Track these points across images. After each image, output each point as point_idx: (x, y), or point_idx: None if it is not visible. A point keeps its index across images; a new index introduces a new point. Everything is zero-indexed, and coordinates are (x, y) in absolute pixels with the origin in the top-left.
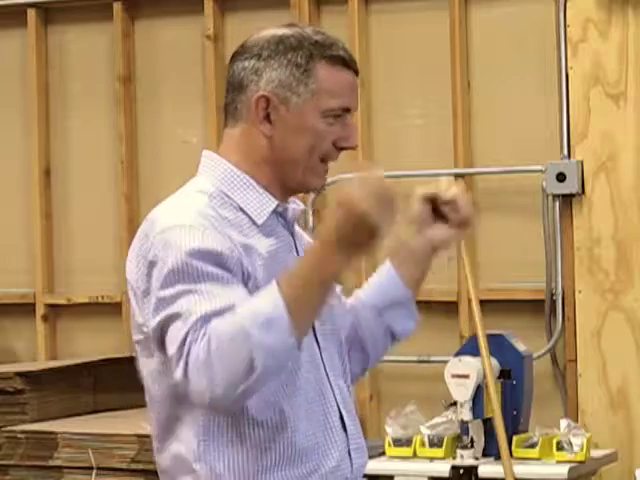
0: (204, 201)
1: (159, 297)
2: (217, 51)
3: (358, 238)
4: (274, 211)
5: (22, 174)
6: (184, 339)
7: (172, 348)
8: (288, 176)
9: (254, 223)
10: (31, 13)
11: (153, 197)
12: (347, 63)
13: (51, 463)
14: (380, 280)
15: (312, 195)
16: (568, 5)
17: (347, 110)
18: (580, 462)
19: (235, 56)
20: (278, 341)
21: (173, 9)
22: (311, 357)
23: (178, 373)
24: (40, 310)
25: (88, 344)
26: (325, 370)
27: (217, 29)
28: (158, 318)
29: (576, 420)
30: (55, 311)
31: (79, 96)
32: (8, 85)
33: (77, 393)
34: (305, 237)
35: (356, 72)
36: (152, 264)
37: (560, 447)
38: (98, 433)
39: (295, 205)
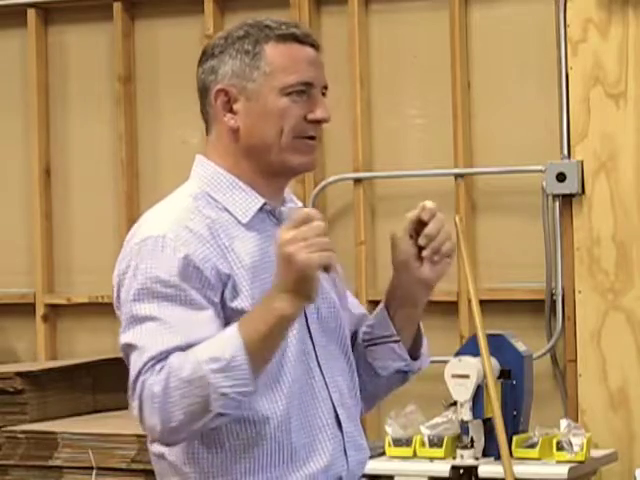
0: (188, 203)
1: (127, 314)
2: None
3: (293, 284)
4: (262, 210)
5: (22, 174)
6: (139, 373)
7: (130, 377)
8: (266, 162)
9: (239, 222)
10: (31, 13)
11: (153, 197)
12: (299, 38)
13: (51, 463)
14: (372, 321)
15: (313, 194)
16: (568, 5)
17: (308, 84)
18: (580, 462)
19: (198, 63)
20: (236, 387)
21: (173, 9)
22: (302, 355)
23: (133, 404)
24: (40, 310)
25: (88, 344)
26: (320, 368)
27: (217, 29)
28: (123, 340)
29: (576, 420)
30: (55, 311)
31: (79, 96)
32: (8, 85)
33: (77, 393)
34: None
35: (314, 47)
36: (124, 272)
37: (560, 447)
38: (98, 433)
39: (292, 204)
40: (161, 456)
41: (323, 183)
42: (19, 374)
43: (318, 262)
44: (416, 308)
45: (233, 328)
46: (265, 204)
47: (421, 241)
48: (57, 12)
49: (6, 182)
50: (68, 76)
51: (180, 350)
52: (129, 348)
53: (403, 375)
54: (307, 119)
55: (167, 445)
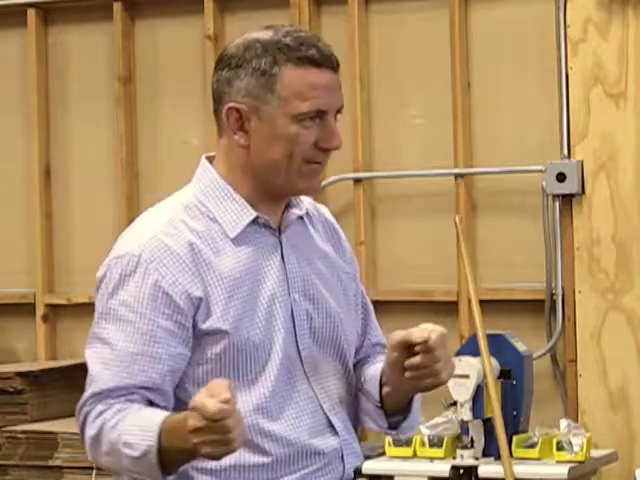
0: (176, 214)
1: (93, 325)
2: (217, 51)
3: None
4: (255, 222)
5: (22, 174)
6: (83, 404)
7: (82, 396)
8: (271, 183)
9: (227, 236)
10: (31, 13)
11: (153, 197)
12: (318, 62)
13: (51, 463)
14: (369, 374)
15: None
16: (568, 5)
17: (322, 112)
18: (580, 462)
19: (215, 66)
20: (144, 476)
21: (173, 9)
22: (288, 367)
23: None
24: (40, 310)
25: None
26: (306, 376)
27: (217, 29)
28: (85, 350)
29: (576, 420)
30: (55, 311)
31: (79, 96)
32: (8, 85)
33: (77, 393)
34: (308, 239)
35: (333, 68)
36: (100, 280)
37: (560, 447)
38: None
39: (297, 210)
40: None
41: (323, 183)
42: (19, 374)
43: (220, 456)
44: (405, 394)
45: (156, 424)
46: (258, 217)
47: (406, 364)
48: (57, 12)
49: (6, 182)
50: (68, 76)
51: (123, 391)
52: (87, 364)
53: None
54: (318, 146)
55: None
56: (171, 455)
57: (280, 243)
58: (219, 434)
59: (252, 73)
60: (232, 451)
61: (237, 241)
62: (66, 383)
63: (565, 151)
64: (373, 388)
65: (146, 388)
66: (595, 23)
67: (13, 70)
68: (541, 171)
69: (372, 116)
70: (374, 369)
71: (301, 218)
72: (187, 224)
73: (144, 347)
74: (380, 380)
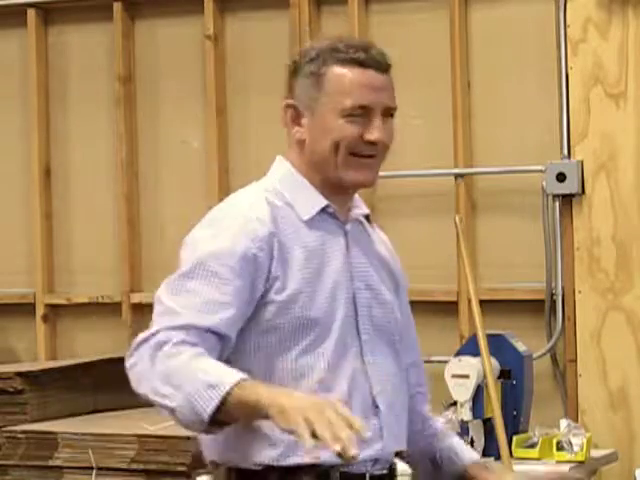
0: (260, 194)
1: (178, 277)
2: (217, 51)
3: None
4: (324, 211)
5: (22, 174)
6: (156, 333)
7: (147, 332)
8: (326, 175)
9: (301, 219)
10: (31, 13)
11: (153, 197)
12: (362, 63)
13: (51, 463)
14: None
15: None
16: (568, 5)
17: (364, 107)
18: (580, 462)
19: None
20: (195, 407)
21: (173, 9)
22: (344, 345)
23: (131, 355)
24: (40, 310)
25: (88, 344)
26: (362, 358)
27: (217, 29)
28: (163, 298)
29: (576, 420)
30: (55, 311)
31: (79, 96)
32: (8, 85)
33: (77, 393)
34: (375, 241)
35: (381, 70)
36: (183, 248)
37: (560, 447)
38: (98, 433)
39: (359, 210)
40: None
41: None
42: (19, 374)
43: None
44: None
45: (236, 374)
46: (328, 206)
47: None
48: (57, 12)
49: (6, 182)
50: (68, 76)
51: (200, 330)
52: (165, 308)
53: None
54: (363, 139)
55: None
56: (241, 401)
57: (345, 234)
58: (338, 423)
59: (306, 75)
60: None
61: (309, 224)
62: (66, 383)
63: (565, 151)
64: (449, 465)
65: (218, 334)
66: (595, 23)
67: (13, 70)
68: (541, 171)
69: None
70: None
71: (366, 218)
72: (272, 203)
73: (225, 296)
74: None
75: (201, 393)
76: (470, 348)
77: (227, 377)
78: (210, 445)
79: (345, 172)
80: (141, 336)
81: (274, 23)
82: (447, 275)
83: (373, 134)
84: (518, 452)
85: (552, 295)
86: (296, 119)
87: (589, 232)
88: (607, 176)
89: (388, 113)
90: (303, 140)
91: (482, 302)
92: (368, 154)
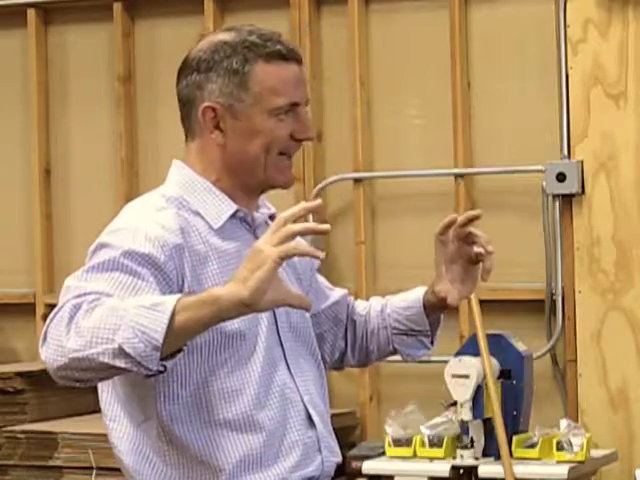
0: (161, 203)
1: (82, 272)
2: None
3: (248, 276)
4: (234, 216)
5: (22, 174)
6: (74, 297)
7: (60, 304)
8: (250, 178)
9: (211, 227)
10: (31, 13)
11: None
12: (285, 56)
13: (51, 463)
14: (407, 306)
15: (313, 194)
16: (568, 5)
17: (295, 104)
18: (580, 462)
19: (180, 73)
20: (147, 329)
21: (173, 9)
22: (271, 360)
23: (48, 325)
24: (40, 310)
25: None
26: (289, 369)
27: (217, 29)
28: (68, 282)
29: (576, 420)
30: None
31: (79, 96)
32: (8, 85)
33: (77, 393)
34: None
35: (298, 61)
36: (90, 255)
37: (560, 447)
38: (98, 433)
39: (266, 209)
40: (118, 455)
41: (323, 183)
42: (19, 374)
43: (283, 253)
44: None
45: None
46: (238, 211)
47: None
48: (57, 12)
49: (6, 182)
50: (68, 76)
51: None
52: (70, 286)
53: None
54: (293, 138)
55: (62, 378)
56: (182, 316)
57: (256, 239)
58: (285, 235)
59: (224, 74)
60: (292, 251)
61: (220, 233)
62: None
63: (565, 151)
64: (420, 319)
65: None
66: (595, 23)
67: (13, 70)
68: (541, 171)
69: (372, 116)
70: (402, 302)
71: (270, 218)
72: (175, 212)
73: (139, 291)
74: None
75: (146, 315)
76: (470, 348)
77: (166, 296)
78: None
79: (274, 174)
80: (47, 321)
81: (274, 23)
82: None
83: (306, 132)
84: (518, 452)
85: (552, 295)
86: (213, 122)
87: (589, 232)
88: (607, 176)
89: (306, 105)
90: (223, 144)
91: (482, 302)
92: (292, 153)
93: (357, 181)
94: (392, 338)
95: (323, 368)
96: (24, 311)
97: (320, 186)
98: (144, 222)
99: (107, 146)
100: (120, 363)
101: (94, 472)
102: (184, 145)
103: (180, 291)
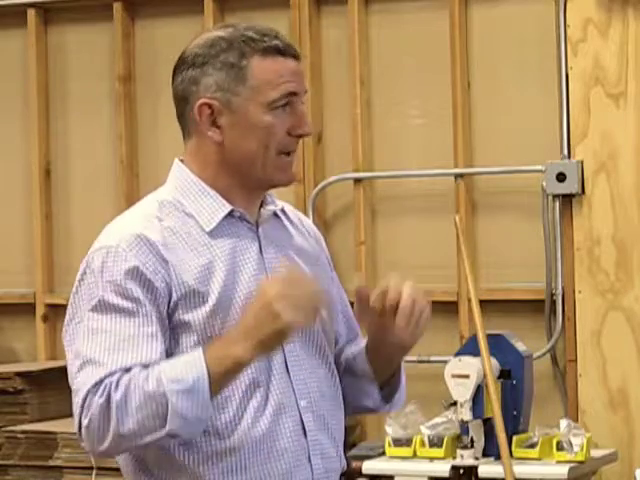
0: (151, 210)
1: (80, 321)
2: None
3: (267, 337)
4: (231, 215)
5: (22, 174)
6: (97, 383)
7: (80, 387)
8: (248, 176)
9: (203, 230)
10: (31, 13)
11: None
12: (282, 51)
13: (51, 463)
14: (355, 352)
15: (313, 194)
16: (568, 5)
17: (292, 94)
18: (580, 462)
19: (175, 70)
20: (195, 410)
21: (173, 9)
22: (268, 362)
23: (81, 412)
24: (40, 310)
25: None
26: (288, 373)
27: None
28: (71, 354)
29: (576, 420)
30: (55, 311)
31: (79, 96)
32: (8, 85)
33: None
34: (286, 235)
35: (295, 57)
36: (81, 277)
37: (560, 447)
38: None
39: (273, 206)
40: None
41: (323, 183)
42: (19, 374)
43: (302, 324)
44: (391, 363)
45: (198, 353)
46: (233, 210)
47: (399, 321)
48: (57, 12)
49: (6, 182)
50: (68, 76)
51: (139, 366)
52: (84, 364)
53: (370, 411)
54: (291, 134)
55: (105, 456)
56: (220, 373)
57: (258, 237)
58: (304, 297)
59: (220, 67)
60: (310, 322)
61: (214, 235)
62: (66, 383)
63: (565, 151)
64: (362, 361)
65: (148, 366)
66: (595, 23)
67: (13, 70)
68: (541, 171)
69: (372, 116)
70: (358, 346)
71: (275, 215)
72: (161, 220)
73: (141, 328)
74: (366, 351)
75: (187, 398)
76: (470, 348)
77: (192, 364)
78: None
79: (274, 172)
80: (77, 407)
81: (274, 23)
82: (447, 275)
83: (302, 127)
84: (518, 452)
85: (552, 295)
86: (210, 119)
87: (589, 232)
88: (607, 176)
89: (304, 95)
90: (220, 142)
91: (482, 302)
92: (293, 150)
93: (357, 181)
94: (344, 378)
95: (334, 367)
96: (24, 311)
97: (320, 186)
98: (127, 237)
99: (107, 146)
100: (168, 442)
101: (94, 472)
102: (184, 145)
103: (169, 300)
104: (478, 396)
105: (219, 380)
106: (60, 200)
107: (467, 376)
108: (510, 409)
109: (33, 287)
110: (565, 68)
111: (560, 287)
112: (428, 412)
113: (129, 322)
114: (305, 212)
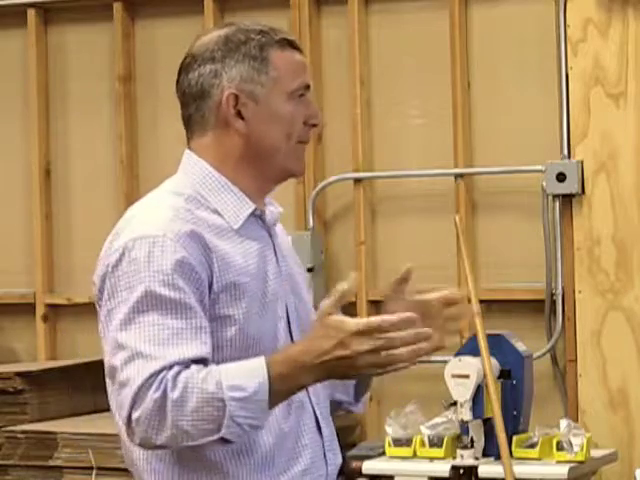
0: (180, 203)
1: (124, 315)
2: None
3: (338, 377)
4: (252, 214)
5: (22, 174)
6: (150, 376)
7: (132, 385)
8: (269, 168)
9: (231, 227)
10: (31, 13)
11: None
12: (293, 44)
13: (51, 463)
14: None
15: (313, 194)
16: (568, 5)
17: (307, 87)
18: (580, 462)
19: (187, 67)
20: (250, 420)
21: (173, 9)
22: None
23: (134, 408)
24: (40, 310)
25: (88, 344)
26: None
27: None
28: (112, 344)
29: (576, 420)
30: (55, 311)
31: (79, 96)
32: (8, 85)
33: (77, 393)
34: (285, 237)
35: (301, 51)
36: (111, 271)
37: (560, 447)
38: (98, 433)
39: (273, 207)
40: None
41: (323, 183)
42: (19, 374)
43: (376, 372)
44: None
45: (261, 363)
46: (256, 209)
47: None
48: (57, 12)
49: (6, 182)
50: (68, 76)
51: (193, 362)
52: (130, 352)
53: (339, 407)
54: (307, 124)
55: (160, 449)
56: (282, 391)
57: (271, 237)
58: (387, 346)
59: (242, 59)
60: (394, 364)
61: (240, 233)
62: (66, 383)
63: (565, 151)
64: None
65: (201, 360)
66: (595, 23)
67: (13, 70)
68: (541, 171)
69: (372, 116)
70: None
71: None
72: (193, 213)
73: (190, 321)
74: None
75: (247, 407)
76: (470, 348)
77: (254, 374)
78: None
79: (293, 161)
80: (128, 399)
81: (274, 23)
82: (447, 275)
83: (317, 117)
84: (518, 452)
85: (552, 295)
86: (235, 110)
87: (589, 232)
88: (607, 176)
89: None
90: (245, 133)
91: (482, 302)
92: (309, 139)
93: (357, 181)
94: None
95: None
96: (24, 311)
97: (320, 186)
98: (172, 227)
99: (107, 146)
100: (218, 446)
101: (94, 472)
102: (185, 145)
103: (210, 287)
104: (478, 396)
105: (278, 396)
106: (60, 200)
107: (467, 376)
108: (510, 409)
109: (33, 287)
110: (565, 68)
111: (560, 287)
112: (428, 412)
113: (178, 314)
114: (305, 212)
